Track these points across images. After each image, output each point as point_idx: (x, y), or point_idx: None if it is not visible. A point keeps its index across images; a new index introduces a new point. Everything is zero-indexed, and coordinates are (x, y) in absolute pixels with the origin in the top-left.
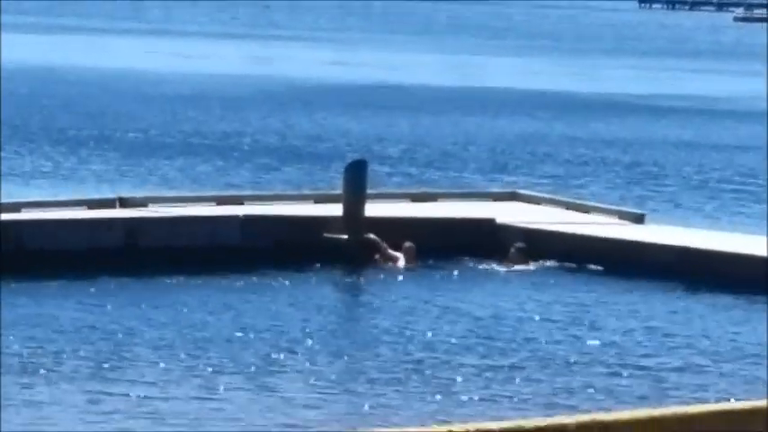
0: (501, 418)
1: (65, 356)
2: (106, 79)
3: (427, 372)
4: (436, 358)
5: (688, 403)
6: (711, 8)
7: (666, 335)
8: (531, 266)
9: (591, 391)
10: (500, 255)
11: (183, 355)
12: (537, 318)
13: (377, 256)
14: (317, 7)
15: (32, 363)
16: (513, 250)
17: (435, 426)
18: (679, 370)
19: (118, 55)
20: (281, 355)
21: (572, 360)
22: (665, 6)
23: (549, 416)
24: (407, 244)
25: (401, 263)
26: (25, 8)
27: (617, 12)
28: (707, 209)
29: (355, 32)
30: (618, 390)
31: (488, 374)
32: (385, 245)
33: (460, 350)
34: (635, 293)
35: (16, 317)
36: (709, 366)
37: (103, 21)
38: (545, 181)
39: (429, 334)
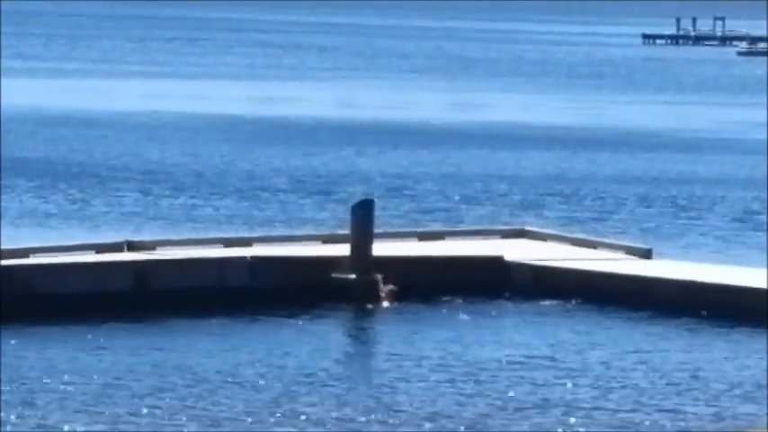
0: None
1: (73, 399)
2: (112, 122)
3: (433, 414)
4: (439, 412)
5: None
6: (715, 42)
7: (677, 370)
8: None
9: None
10: (509, 291)
11: (190, 398)
12: (545, 359)
13: (382, 295)
14: (318, 47)
15: (40, 402)
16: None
17: None
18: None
19: (123, 97)
20: (290, 397)
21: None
22: (669, 41)
23: None
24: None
25: (384, 304)
26: (30, 52)
27: (621, 47)
28: (714, 243)
29: (357, 71)
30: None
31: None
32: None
33: (465, 396)
34: (643, 328)
35: (26, 360)
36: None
37: (109, 63)
38: (552, 217)
39: (433, 376)
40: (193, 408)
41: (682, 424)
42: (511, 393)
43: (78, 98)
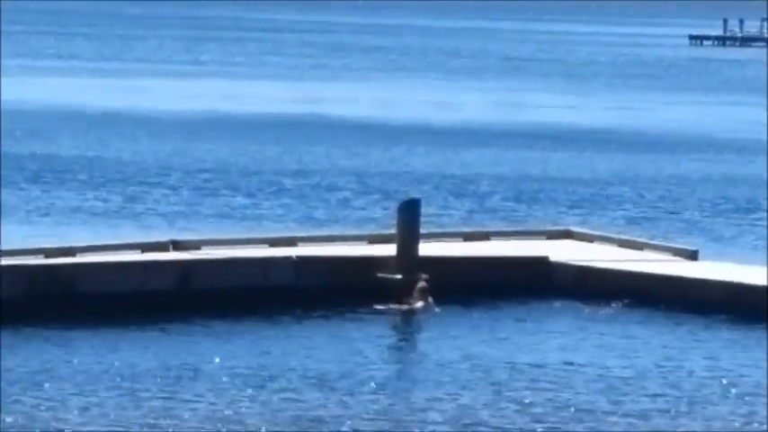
0: None
1: (120, 396)
2: (157, 121)
3: (481, 414)
4: (490, 404)
5: None
6: (762, 44)
7: (724, 372)
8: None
9: None
10: (554, 293)
11: (236, 397)
12: (591, 362)
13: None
14: (365, 47)
15: (88, 400)
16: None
17: None
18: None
19: (169, 97)
20: (335, 397)
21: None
22: (716, 43)
23: None
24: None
25: (418, 303)
26: (75, 52)
27: (668, 48)
28: (761, 245)
29: (403, 71)
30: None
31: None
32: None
33: (512, 396)
34: (689, 330)
35: (72, 359)
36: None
37: (155, 63)
38: (599, 218)
39: (477, 378)
40: (239, 407)
41: (736, 425)
42: (563, 396)
43: (124, 97)
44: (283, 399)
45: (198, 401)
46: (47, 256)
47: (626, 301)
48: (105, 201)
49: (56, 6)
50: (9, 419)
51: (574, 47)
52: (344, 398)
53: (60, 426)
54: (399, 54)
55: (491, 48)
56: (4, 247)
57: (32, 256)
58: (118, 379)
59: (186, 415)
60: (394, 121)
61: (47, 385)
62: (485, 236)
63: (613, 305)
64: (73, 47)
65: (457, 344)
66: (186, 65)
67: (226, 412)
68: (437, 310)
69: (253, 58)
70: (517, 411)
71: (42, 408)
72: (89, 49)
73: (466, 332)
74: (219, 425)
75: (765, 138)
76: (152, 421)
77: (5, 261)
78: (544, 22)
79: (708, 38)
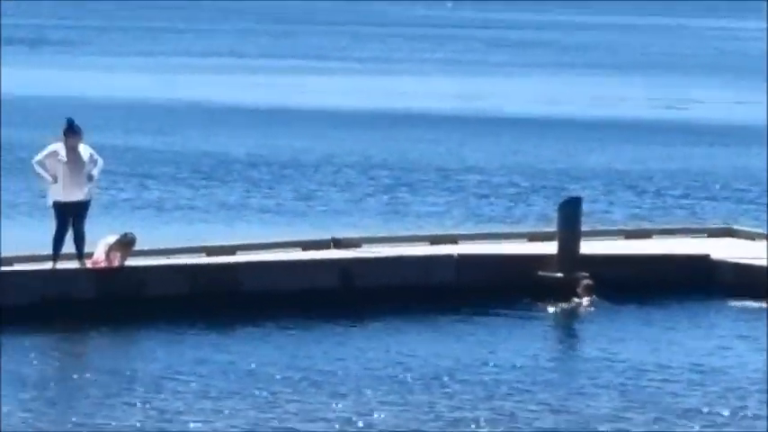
0: None
1: (279, 392)
2: (317, 118)
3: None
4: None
5: None
6: None
7: None
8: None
9: None
10: (715, 291)
11: (406, 397)
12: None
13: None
14: (523, 42)
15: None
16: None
17: None
18: None
19: (328, 93)
20: (493, 396)
21: None
22: None
23: None
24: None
25: (583, 300)
26: (237, 49)
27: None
28: None
29: (562, 67)
30: None
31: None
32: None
33: (679, 396)
34: None
35: (236, 357)
36: None
37: (316, 60)
38: (762, 216)
39: (639, 378)
40: (406, 405)
41: None
42: (730, 401)
43: (285, 94)
44: (441, 395)
45: (380, 400)
46: (208, 255)
47: None
48: (267, 198)
49: (233, 5)
50: (169, 408)
51: (745, 43)
52: (510, 395)
53: (214, 418)
54: (557, 50)
55: (653, 43)
56: (167, 245)
57: (194, 255)
58: (278, 376)
59: (377, 414)
60: (555, 117)
61: (193, 383)
62: (646, 234)
63: None
64: (239, 44)
65: (620, 343)
66: (347, 61)
67: (403, 412)
68: (599, 308)
69: (414, 54)
70: (686, 414)
71: (189, 401)
72: (253, 46)
73: (629, 331)
74: (400, 421)
75: None
76: (324, 415)
77: (168, 260)
78: (714, 18)
79: None
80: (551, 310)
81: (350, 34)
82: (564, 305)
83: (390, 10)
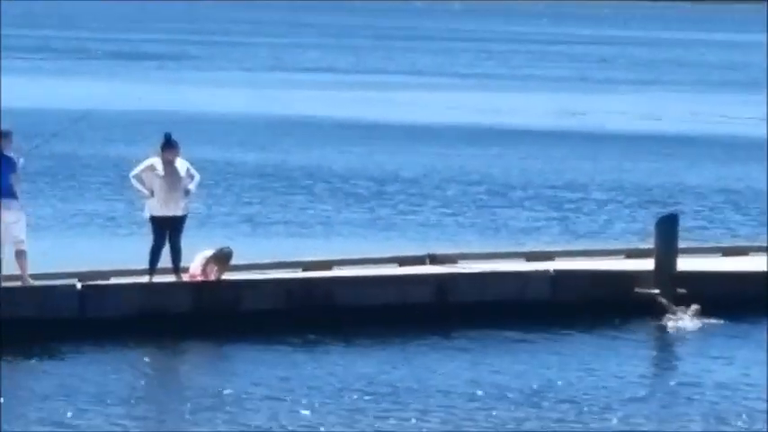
0: None
1: (368, 410)
2: (406, 135)
3: None
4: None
5: None
6: None
7: None
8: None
9: None
10: None
11: (491, 411)
12: None
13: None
14: (620, 58)
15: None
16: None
17: None
18: None
19: (421, 109)
20: (583, 415)
21: None
22: None
23: None
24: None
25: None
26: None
27: None
28: None
29: (660, 84)
30: None
31: None
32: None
33: None
34: None
35: (329, 371)
36: None
37: (413, 75)
38: None
39: (736, 399)
40: (495, 421)
41: None
42: None
43: (383, 110)
44: (530, 412)
45: (469, 418)
46: (305, 270)
47: None
48: (365, 213)
49: (336, 21)
50: (255, 422)
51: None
52: (604, 415)
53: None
54: (658, 66)
55: (749, 60)
56: (263, 260)
57: (291, 270)
58: (371, 389)
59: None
60: (653, 133)
61: (286, 399)
62: (743, 251)
63: None
64: (332, 60)
65: (716, 361)
66: (445, 77)
67: (490, 429)
68: (697, 326)
69: (514, 70)
70: None
71: (281, 417)
72: (348, 62)
73: (725, 349)
74: None
75: None
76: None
77: (264, 275)
78: None
79: None
80: (648, 327)
81: (446, 51)
82: (660, 322)
83: (486, 28)
